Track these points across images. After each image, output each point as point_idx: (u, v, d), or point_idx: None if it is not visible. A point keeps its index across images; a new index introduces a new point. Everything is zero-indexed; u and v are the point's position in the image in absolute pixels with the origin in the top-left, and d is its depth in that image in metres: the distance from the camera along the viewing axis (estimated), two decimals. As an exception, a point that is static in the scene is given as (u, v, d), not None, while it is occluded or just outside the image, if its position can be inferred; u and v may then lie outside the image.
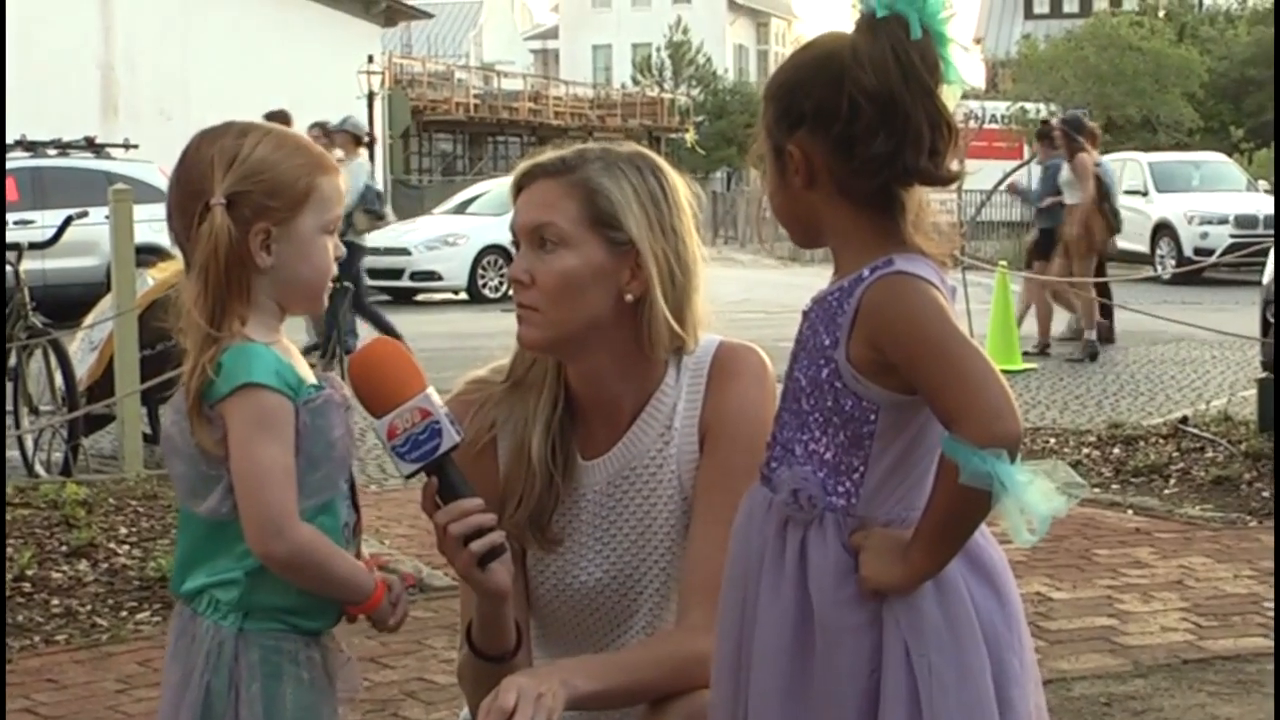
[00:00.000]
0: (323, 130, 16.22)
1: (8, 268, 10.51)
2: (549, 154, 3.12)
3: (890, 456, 2.53)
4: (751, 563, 2.63)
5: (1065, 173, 16.38)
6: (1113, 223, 16.36)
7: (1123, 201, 30.58)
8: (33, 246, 11.31)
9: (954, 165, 2.52)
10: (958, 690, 2.50)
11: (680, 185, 3.13)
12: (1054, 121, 18.35)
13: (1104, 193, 16.18)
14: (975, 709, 2.52)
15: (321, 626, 2.87)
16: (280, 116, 16.40)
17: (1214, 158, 34.41)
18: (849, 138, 2.48)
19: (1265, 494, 8.59)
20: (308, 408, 2.77)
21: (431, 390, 2.88)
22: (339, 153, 16.06)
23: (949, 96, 2.51)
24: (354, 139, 16.35)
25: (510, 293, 3.14)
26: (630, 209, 3.04)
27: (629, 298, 3.05)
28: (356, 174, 15.47)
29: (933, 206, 2.58)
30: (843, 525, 2.54)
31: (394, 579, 2.91)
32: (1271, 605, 6.57)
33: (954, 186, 2.67)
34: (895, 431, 2.52)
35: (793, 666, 2.56)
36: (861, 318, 2.48)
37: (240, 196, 2.76)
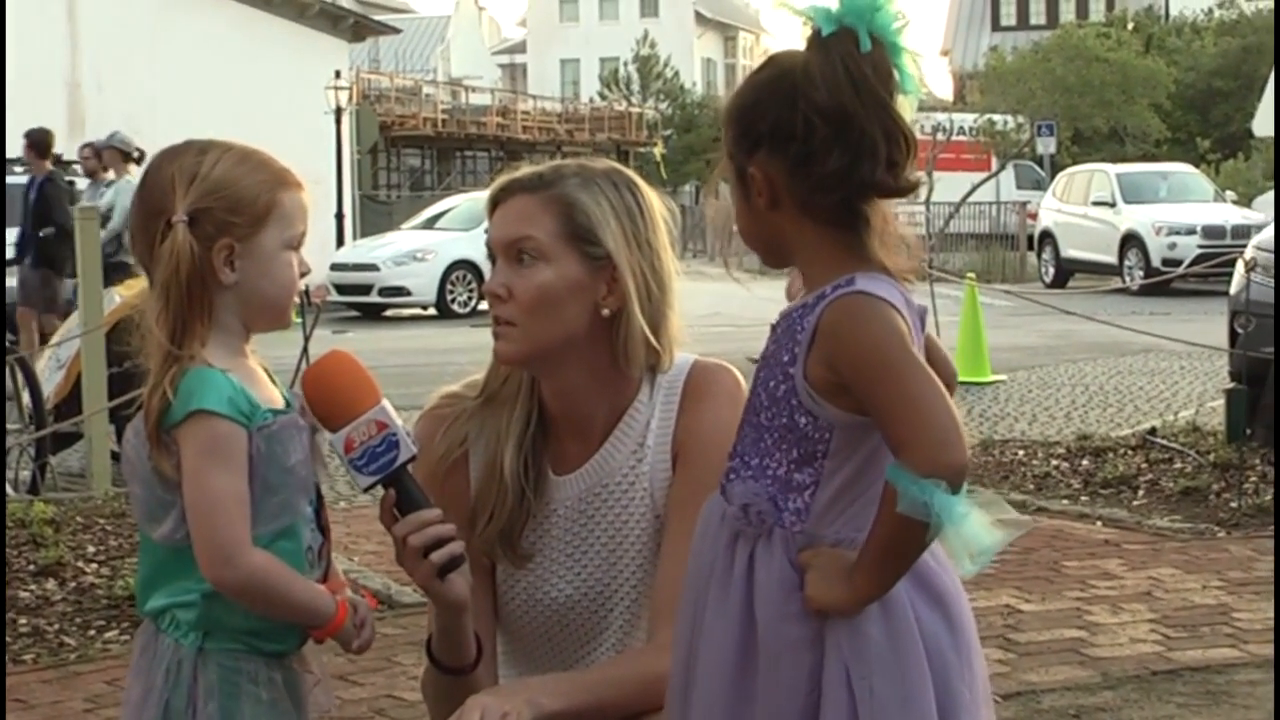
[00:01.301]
0: (93, 150, 15.93)
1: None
2: (525, 170, 3.13)
3: (842, 476, 2.52)
4: (703, 575, 2.62)
5: None
6: None
7: (1091, 213, 31.00)
8: (-2, 264, 11.28)
9: (912, 176, 2.51)
10: (899, 715, 2.48)
11: (656, 201, 3.14)
12: None
13: None
14: None
15: (283, 648, 2.86)
16: (40, 134, 16.23)
17: (1181, 169, 34.56)
18: (806, 155, 2.47)
19: (1233, 505, 8.62)
20: (262, 434, 2.75)
21: (386, 402, 2.88)
22: (110, 172, 15.57)
23: (906, 107, 2.50)
24: (123, 155, 15.60)
25: (479, 308, 3.15)
26: (607, 224, 3.05)
27: (605, 312, 3.05)
28: (124, 192, 14.66)
29: (899, 220, 2.58)
30: (791, 542, 2.53)
31: (360, 601, 2.90)
32: (1239, 616, 6.59)
33: (921, 199, 2.67)
34: (848, 451, 2.51)
35: (736, 681, 2.55)
36: (819, 337, 2.47)
37: (202, 213, 2.76)
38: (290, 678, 2.88)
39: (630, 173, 3.16)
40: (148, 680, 2.82)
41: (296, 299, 2.91)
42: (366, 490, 2.92)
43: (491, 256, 3.11)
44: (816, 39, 2.47)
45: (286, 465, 2.78)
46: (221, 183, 2.78)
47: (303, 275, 2.89)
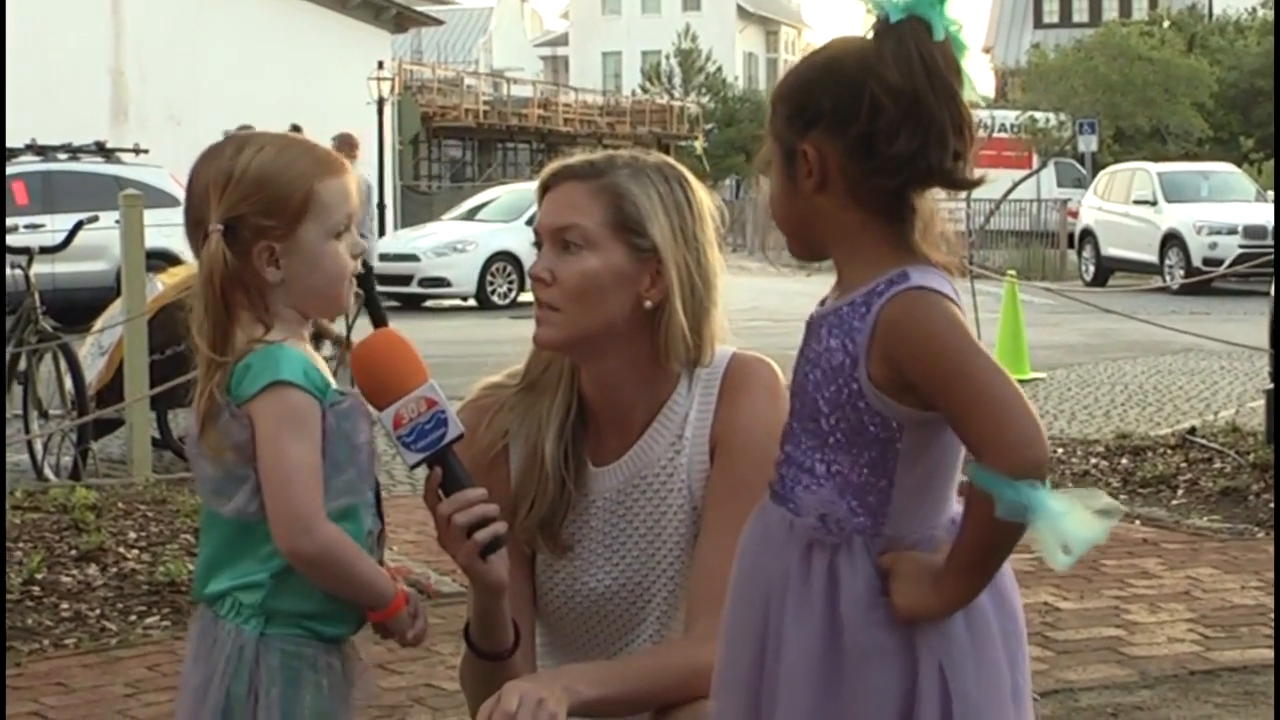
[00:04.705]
0: None
1: (19, 272, 10.53)
2: (578, 157, 3.15)
3: (916, 475, 2.47)
4: (774, 585, 2.55)
5: None
6: None
7: (1132, 211, 30.86)
8: (43, 251, 11.31)
9: (974, 172, 2.47)
10: (987, 715, 2.46)
11: (705, 198, 3.15)
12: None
13: None
14: None
15: (342, 633, 2.88)
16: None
17: (1223, 168, 34.34)
18: (869, 136, 2.42)
19: (1273, 505, 8.58)
20: (334, 410, 2.78)
21: (434, 381, 2.89)
22: None
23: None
24: None
25: (519, 299, 3.16)
26: (656, 216, 3.06)
27: (648, 304, 3.07)
28: None
29: (940, 215, 2.53)
30: (871, 547, 2.48)
31: (413, 592, 2.92)
32: (1278, 616, 6.57)
33: (962, 195, 2.65)
34: (921, 450, 2.45)
35: (821, 690, 2.50)
36: (879, 335, 2.42)
37: (237, 220, 2.76)
38: (345, 664, 2.90)
39: (682, 168, 3.16)
40: (208, 666, 2.82)
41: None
42: (413, 468, 2.93)
43: (538, 242, 3.12)
44: (885, 25, 2.43)
45: (355, 443, 2.80)
46: (255, 185, 2.77)
47: (355, 256, 2.89)
